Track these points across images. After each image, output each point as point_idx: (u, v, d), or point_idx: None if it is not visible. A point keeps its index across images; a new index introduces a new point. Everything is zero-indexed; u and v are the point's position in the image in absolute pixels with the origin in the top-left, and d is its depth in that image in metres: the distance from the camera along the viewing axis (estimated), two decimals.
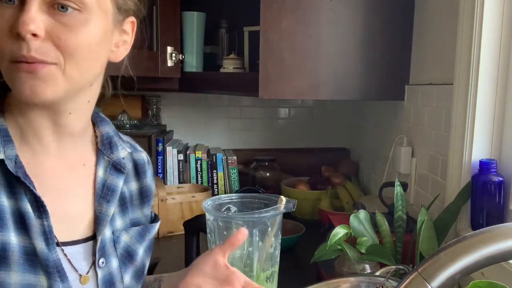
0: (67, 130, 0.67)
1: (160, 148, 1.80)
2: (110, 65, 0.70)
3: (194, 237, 1.08)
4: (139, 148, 0.83)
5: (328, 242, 0.97)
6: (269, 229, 0.90)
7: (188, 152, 1.87)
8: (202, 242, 1.04)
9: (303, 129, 2.18)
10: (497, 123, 1.06)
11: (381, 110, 1.72)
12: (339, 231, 0.99)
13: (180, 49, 1.65)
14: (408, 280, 0.46)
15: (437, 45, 1.28)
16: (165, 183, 1.80)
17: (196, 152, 1.86)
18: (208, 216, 0.93)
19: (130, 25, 0.69)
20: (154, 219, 0.84)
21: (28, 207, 0.62)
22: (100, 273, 0.69)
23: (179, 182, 1.84)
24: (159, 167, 1.82)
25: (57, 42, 0.57)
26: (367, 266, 1.00)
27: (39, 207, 0.62)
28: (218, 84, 1.63)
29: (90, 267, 0.69)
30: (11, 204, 0.61)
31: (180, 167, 1.85)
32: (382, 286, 0.80)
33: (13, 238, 0.60)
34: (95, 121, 0.75)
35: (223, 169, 1.87)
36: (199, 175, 1.86)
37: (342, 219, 1.21)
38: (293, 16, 1.35)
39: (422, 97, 1.35)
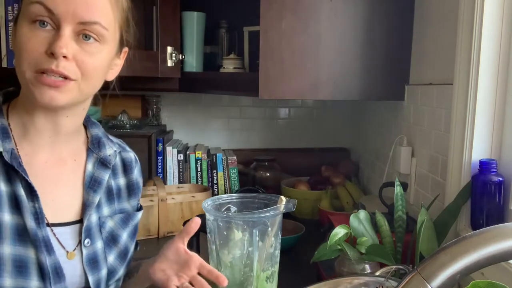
0: (63, 130, 0.80)
1: (160, 148, 1.80)
2: None
3: (194, 237, 1.08)
4: (127, 148, 0.97)
5: (328, 242, 0.97)
6: (269, 229, 0.90)
7: (188, 152, 1.86)
8: (202, 242, 1.04)
9: (303, 129, 2.18)
10: (497, 123, 1.06)
11: (381, 110, 1.72)
12: (339, 231, 0.99)
13: (180, 49, 1.65)
14: (408, 280, 0.46)
15: (437, 45, 1.28)
16: (165, 183, 1.80)
17: (196, 152, 1.86)
18: (208, 216, 0.93)
19: (123, 54, 0.85)
20: (139, 209, 0.96)
21: (22, 192, 0.74)
22: (85, 251, 0.81)
23: (179, 182, 1.84)
24: (159, 167, 1.81)
25: (80, 64, 0.73)
26: (367, 266, 1.00)
27: (32, 192, 0.75)
28: (218, 84, 1.63)
29: (77, 245, 0.80)
30: (8, 190, 0.74)
31: (180, 167, 1.85)
32: (382, 286, 0.80)
33: (6, 217, 0.73)
34: (87, 125, 0.89)
35: (223, 169, 1.87)
36: (199, 175, 1.86)
37: (342, 219, 1.21)
38: (293, 16, 1.35)
39: (422, 97, 1.35)
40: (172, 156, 1.83)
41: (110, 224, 0.86)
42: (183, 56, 1.68)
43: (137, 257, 0.97)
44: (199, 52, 1.72)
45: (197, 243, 1.09)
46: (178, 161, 1.84)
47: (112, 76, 0.84)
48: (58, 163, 0.81)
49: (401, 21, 1.42)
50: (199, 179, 1.86)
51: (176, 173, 1.84)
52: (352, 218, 1.04)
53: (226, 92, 1.71)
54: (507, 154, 1.04)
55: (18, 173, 0.74)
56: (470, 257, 0.45)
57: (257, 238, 0.90)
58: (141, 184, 0.96)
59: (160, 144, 1.80)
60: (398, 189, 1.11)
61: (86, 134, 0.88)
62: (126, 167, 0.93)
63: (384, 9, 1.40)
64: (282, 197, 0.92)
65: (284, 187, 1.83)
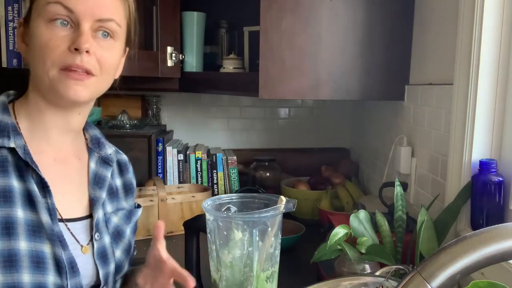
0: (73, 127, 0.84)
1: (160, 148, 1.80)
2: None
3: (194, 237, 1.08)
4: (120, 151, 1.00)
5: (328, 242, 0.97)
6: (269, 229, 0.90)
7: (188, 152, 1.86)
8: (202, 242, 1.04)
9: (303, 129, 2.18)
10: (497, 123, 1.06)
11: (381, 110, 1.72)
12: (339, 231, 0.99)
13: (180, 49, 1.65)
14: (408, 280, 0.46)
15: (437, 45, 1.28)
16: (165, 183, 1.80)
17: (196, 152, 1.86)
18: (208, 216, 0.93)
19: (126, 52, 0.89)
20: (138, 207, 0.99)
21: (35, 188, 0.76)
22: (95, 244, 0.83)
23: (179, 182, 1.84)
24: (159, 167, 1.81)
25: (99, 59, 0.77)
26: (367, 266, 1.00)
27: (44, 187, 0.76)
28: (218, 84, 1.63)
29: (89, 240, 0.83)
30: (21, 186, 0.75)
31: (180, 167, 1.85)
32: (382, 286, 0.80)
33: (20, 213, 0.74)
34: (85, 127, 0.91)
35: (223, 169, 1.87)
36: (199, 175, 1.86)
37: (342, 219, 1.21)
38: (293, 16, 1.35)
39: (422, 97, 1.35)
40: (172, 156, 1.83)
41: (115, 220, 0.89)
42: (183, 56, 1.68)
43: (138, 257, 0.97)
44: (199, 52, 1.72)
45: (197, 243, 1.09)
46: (178, 161, 1.84)
47: (118, 73, 0.88)
48: (65, 161, 0.84)
49: (401, 21, 1.42)
50: (199, 179, 1.86)
51: (176, 173, 1.84)
52: (352, 218, 1.04)
53: (226, 92, 1.71)
54: (507, 154, 1.04)
55: (30, 169, 0.76)
56: (470, 257, 0.45)
57: (257, 238, 0.90)
58: (134, 184, 1.00)
59: (160, 144, 1.80)
60: (398, 189, 1.11)
61: (85, 136, 0.92)
62: (122, 168, 0.97)
63: (384, 9, 1.40)
64: (282, 197, 0.92)
65: (284, 187, 1.83)
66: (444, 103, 1.20)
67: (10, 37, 1.53)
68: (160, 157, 1.81)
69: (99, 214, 0.85)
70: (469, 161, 1.07)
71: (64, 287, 0.75)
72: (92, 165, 0.89)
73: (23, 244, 0.72)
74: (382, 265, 0.95)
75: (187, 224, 1.10)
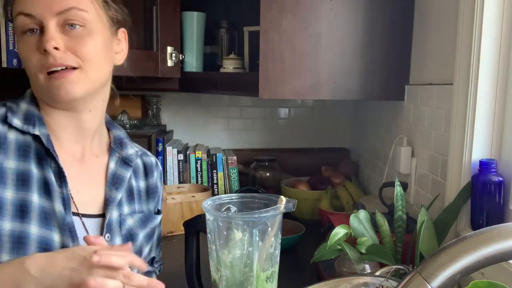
0: (87, 125, 0.85)
1: (160, 148, 1.80)
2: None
3: (194, 237, 1.08)
4: (149, 153, 1.01)
5: (328, 242, 0.97)
6: (269, 229, 0.90)
7: (188, 152, 1.86)
8: (202, 242, 1.04)
9: (303, 129, 2.18)
10: (497, 123, 1.06)
11: (381, 110, 1.72)
12: (339, 231, 0.99)
13: (180, 49, 1.65)
14: (408, 280, 0.46)
15: (437, 45, 1.28)
16: (165, 183, 1.80)
17: (196, 152, 1.86)
18: (208, 216, 0.93)
19: (122, 34, 0.88)
20: (157, 212, 0.99)
21: (52, 176, 0.79)
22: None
23: (179, 182, 1.84)
24: None
25: (75, 51, 0.77)
26: (367, 266, 1.00)
27: (61, 177, 0.79)
28: (218, 84, 1.63)
29: None
30: (39, 173, 0.78)
31: (180, 167, 1.85)
32: (382, 286, 0.80)
33: (35, 199, 0.76)
34: (109, 127, 0.94)
35: (223, 169, 1.87)
36: (199, 175, 1.86)
37: (342, 219, 1.20)
38: (293, 16, 1.35)
39: (422, 97, 1.35)
40: (172, 156, 1.83)
41: (129, 222, 0.90)
42: (183, 56, 1.68)
43: None
44: (199, 52, 1.72)
45: (197, 243, 1.09)
46: (178, 161, 1.84)
47: (120, 60, 0.88)
48: (82, 159, 0.86)
49: (401, 21, 1.42)
50: (199, 179, 1.86)
51: (176, 173, 1.84)
52: (352, 218, 1.04)
53: (226, 92, 1.71)
54: (507, 154, 1.04)
55: (49, 158, 0.79)
56: (470, 257, 0.45)
57: (257, 238, 0.90)
58: (161, 189, 1.00)
59: (160, 144, 1.80)
60: (398, 189, 1.11)
61: (109, 136, 0.94)
62: (147, 171, 0.98)
63: (384, 9, 1.40)
64: (282, 197, 0.92)
65: (284, 187, 1.83)
66: (444, 103, 1.20)
67: (10, 37, 1.53)
68: (160, 157, 1.81)
69: (112, 215, 0.86)
70: (469, 161, 1.07)
71: None
72: (112, 165, 0.90)
73: (34, 229, 0.74)
74: (382, 265, 0.95)
75: (187, 224, 1.10)
